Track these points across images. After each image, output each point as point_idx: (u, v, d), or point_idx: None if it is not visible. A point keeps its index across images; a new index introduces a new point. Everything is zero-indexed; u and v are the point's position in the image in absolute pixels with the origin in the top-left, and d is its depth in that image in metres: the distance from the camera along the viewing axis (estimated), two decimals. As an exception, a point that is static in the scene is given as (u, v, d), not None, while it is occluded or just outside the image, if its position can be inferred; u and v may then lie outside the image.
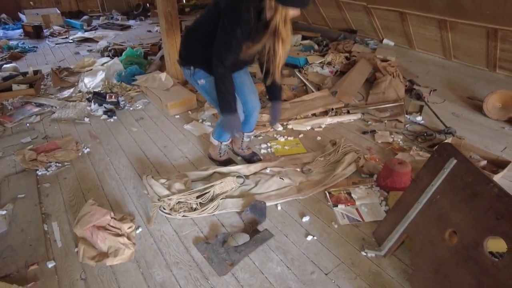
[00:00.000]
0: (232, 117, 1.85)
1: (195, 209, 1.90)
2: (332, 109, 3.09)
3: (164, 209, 1.87)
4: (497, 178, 2.23)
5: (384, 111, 3.11)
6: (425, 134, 2.78)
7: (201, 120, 2.96)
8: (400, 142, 2.70)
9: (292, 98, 3.31)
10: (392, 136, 2.77)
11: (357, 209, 2.00)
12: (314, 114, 3.07)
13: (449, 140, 2.61)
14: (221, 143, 2.25)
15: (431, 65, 4.40)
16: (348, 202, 2.03)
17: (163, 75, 3.39)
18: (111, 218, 1.71)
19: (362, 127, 2.93)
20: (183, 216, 1.86)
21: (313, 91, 3.42)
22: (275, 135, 2.76)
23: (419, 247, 1.51)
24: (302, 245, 1.77)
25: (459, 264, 1.29)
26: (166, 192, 1.89)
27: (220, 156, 2.33)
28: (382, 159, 2.46)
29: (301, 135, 2.77)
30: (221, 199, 1.97)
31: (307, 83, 3.63)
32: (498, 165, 2.39)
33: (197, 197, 1.91)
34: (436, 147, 1.54)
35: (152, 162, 2.42)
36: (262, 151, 2.55)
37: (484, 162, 2.39)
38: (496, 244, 1.42)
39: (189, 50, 1.93)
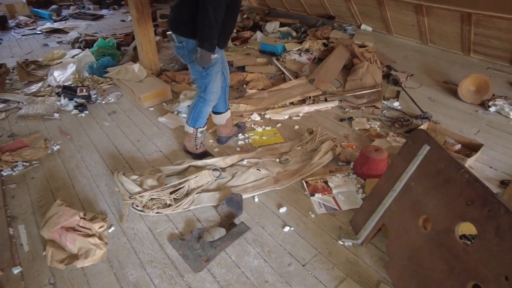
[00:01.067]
0: (209, 54, 1.80)
1: (169, 205, 1.84)
2: (310, 97, 3.06)
3: (137, 206, 1.81)
4: (470, 161, 2.27)
5: (361, 98, 3.11)
6: (402, 120, 2.80)
7: (176, 112, 2.88)
8: (377, 128, 2.70)
9: (270, 86, 3.26)
10: (369, 122, 2.77)
11: (334, 198, 1.99)
12: (292, 103, 3.04)
13: (425, 125, 2.63)
14: (196, 130, 2.19)
15: (409, 50, 4.42)
16: (325, 191, 2.02)
17: (136, 66, 3.26)
18: (81, 218, 1.64)
19: (339, 115, 2.92)
20: (157, 213, 1.81)
21: (291, 79, 3.37)
22: (252, 126, 2.72)
23: (394, 234, 1.51)
24: (279, 236, 1.75)
25: (432, 250, 1.30)
26: (138, 189, 1.83)
27: (196, 149, 2.27)
28: (359, 146, 2.46)
29: (279, 125, 2.74)
30: (197, 193, 1.92)
31: (285, 71, 3.58)
32: (472, 148, 2.43)
33: (171, 193, 1.85)
34: (411, 134, 1.53)
35: (125, 158, 2.34)
36: (240, 142, 2.51)
37: (458, 146, 2.42)
38: (469, 227, 1.43)
39: (182, 20, 1.84)
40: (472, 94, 3.20)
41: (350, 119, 2.81)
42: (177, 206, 1.83)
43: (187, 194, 1.92)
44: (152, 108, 2.97)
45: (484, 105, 3.10)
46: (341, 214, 1.89)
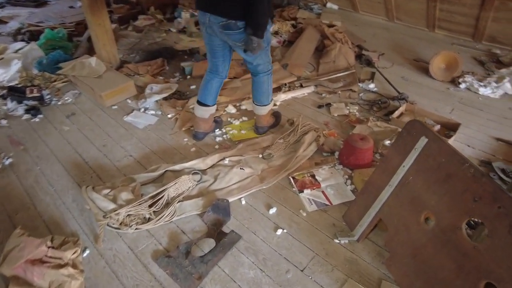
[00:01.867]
0: (261, 40, 1.78)
1: (149, 219, 1.67)
2: (285, 84, 2.93)
3: (113, 224, 1.62)
4: (450, 142, 2.27)
5: (337, 81, 3.03)
6: (380, 102, 2.76)
7: (143, 109, 2.64)
8: (357, 113, 2.64)
9: (242, 74, 3.09)
10: (348, 107, 2.70)
11: (323, 192, 1.91)
12: (267, 91, 2.89)
13: (403, 106, 2.60)
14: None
15: (376, 28, 4.39)
16: (314, 186, 1.94)
17: (92, 60, 2.94)
18: (48, 247, 1.43)
19: (316, 101, 2.82)
20: (136, 229, 1.63)
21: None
22: (229, 119, 2.55)
23: (393, 230, 1.46)
24: (273, 241, 1.65)
25: (437, 248, 1.25)
26: (112, 205, 1.64)
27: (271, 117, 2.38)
28: (341, 134, 2.39)
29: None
30: (178, 202, 1.76)
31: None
32: (450, 128, 2.44)
33: (150, 206, 1.68)
34: (405, 125, 1.46)
35: (91, 167, 2.10)
36: (217, 138, 2.35)
37: (438, 127, 2.42)
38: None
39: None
40: (442, 71, 3.23)
41: (328, 105, 2.73)
42: (158, 220, 1.66)
43: (167, 204, 1.76)
44: (115, 107, 2.71)
45: (454, 82, 3.14)
46: (332, 209, 1.82)
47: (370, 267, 1.54)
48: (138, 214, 1.63)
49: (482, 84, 3.03)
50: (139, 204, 1.64)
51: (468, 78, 3.09)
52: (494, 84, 3.01)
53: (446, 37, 4.17)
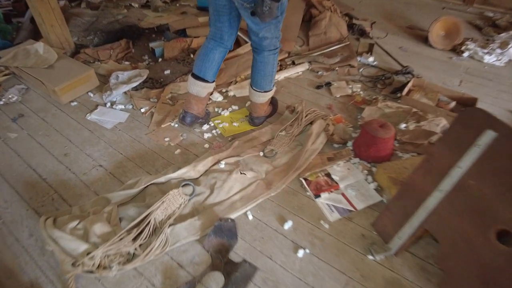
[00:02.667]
0: (275, 4, 1.43)
1: (134, 255, 1.29)
2: (276, 63, 2.54)
3: (88, 268, 1.23)
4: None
5: (333, 56, 2.67)
6: (383, 78, 2.45)
7: (109, 104, 2.17)
8: (360, 92, 2.32)
9: (224, 54, 2.65)
10: (350, 86, 2.37)
11: (343, 195, 1.60)
12: (255, 72, 2.49)
13: (410, 82, 2.30)
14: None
15: (361, -6, 4.02)
16: (331, 187, 1.62)
17: (39, 46, 2.39)
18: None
19: (314, 81, 2.47)
20: (119, 270, 1.25)
21: (246, 42, 2.78)
22: (216, 109, 2.15)
23: (449, 247, 1.17)
24: (295, 266, 1.33)
25: (521, 274, 0.98)
26: (83, 246, 1.23)
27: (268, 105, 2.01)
28: (348, 119, 2.07)
29: (248, 103, 2.21)
30: (169, 226, 1.39)
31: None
32: (465, 103, 2.18)
33: (134, 239, 1.29)
34: (458, 114, 1.14)
35: (51, 185, 1.66)
36: (206, 135, 1.95)
37: (453, 103, 2.15)
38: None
39: None
40: (442, 39, 2.95)
41: (328, 84, 2.39)
42: (147, 254, 1.28)
43: (156, 230, 1.38)
44: (75, 103, 2.21)
45: (456, 50, 2.88)
46: (358, 215, 1.52)
47: (415, 287, 1.26)
48: (119, 252, 1.25)
49: (485, 51, 2.79)
50: (120, 239, 1.25)
51: (471, 45, 2.84)
52: (499, 51, 2.78)
53: (435, 1, 3.89)
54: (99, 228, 1.28)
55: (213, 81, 1.85)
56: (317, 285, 1.27)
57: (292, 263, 1.34)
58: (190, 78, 1.82)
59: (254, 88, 1.84)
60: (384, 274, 1.31)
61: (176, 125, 2.00)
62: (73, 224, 1.30)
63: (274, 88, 1.90)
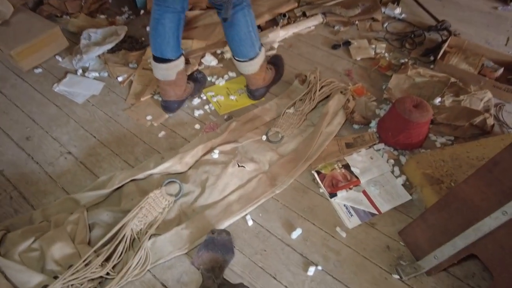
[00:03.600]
0: None
1: (108, 274, 1.04)
2: (284, 15, 2.09)
3: (46, 300, 0.98)
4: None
5: (352, 7, 2.20)
6: (413, 36, 2.01)
7: (80, 71, 1.80)
8: (386, 54, 1.91)
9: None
10: (373, 46, 1.96)
11: (364, 193, 1.31)
12: (259, 27, 2.06)
13: (447, 42, 1.88)
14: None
15: None
16: (350, 183, 1.32)
17: (-7, -5, 1.95)
18: None
19: (329, 38, 2.04)
20: (88, 299, 1.01)
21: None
22: (209, 78, 1.78)
23: (505, 283, 0.90)
24: (304, 287, 1.08)
25: None
26: (37, 278, 0.96)
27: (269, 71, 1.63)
28: (370, 89, 1.71)
29: (248, 69, 1.82)
30: (150, 237, 1.12)
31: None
32: (514, 69, 1.79)
33: (107, 259, 1.03)
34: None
35: (9, 179, 1.37)
36: (197, 112, 1.61)
37: (500, 70, 1.76)
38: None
39: None
40: (484, -18, 2.43)
41: (347, 43, 1.97)
42: (122, 277, 1.03)
43: (133, 242, 1.12)
44: (39, 70, 1.84)
45: (502, -3, 2.39)
46: (382, 220, 1.24)
47: (455, 319, 1.02)
48: (87, 277, 0.99)
49: (538, -2, 2.29)
50: (85, 264, 0.99)
51: (520, -9, 2.33)
52: (554, -2, 2.29)
53: None
54: (59, 250, 1.00)
55: (179, 56, 1.43)
56: (332, 315, 1.03)
57: (301, 283, 1.09)
58: (152, 61, 1.44)
59: (236, 58, 1.46)
60: (415, 300, 1.06)
61: (160, 98, 1.65)
62: (26, 243, 1.02)
63: (263, 50, 1.49)
